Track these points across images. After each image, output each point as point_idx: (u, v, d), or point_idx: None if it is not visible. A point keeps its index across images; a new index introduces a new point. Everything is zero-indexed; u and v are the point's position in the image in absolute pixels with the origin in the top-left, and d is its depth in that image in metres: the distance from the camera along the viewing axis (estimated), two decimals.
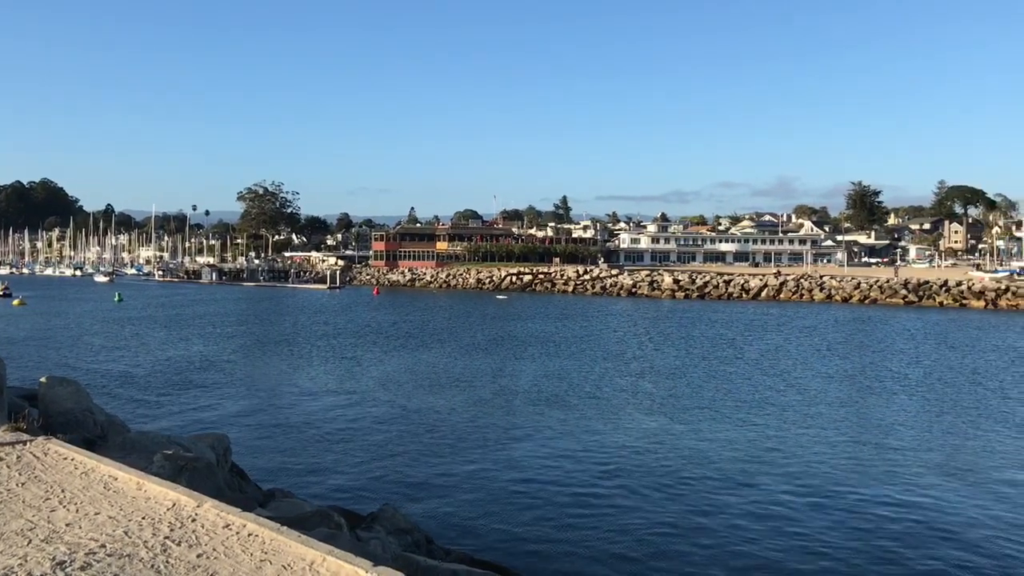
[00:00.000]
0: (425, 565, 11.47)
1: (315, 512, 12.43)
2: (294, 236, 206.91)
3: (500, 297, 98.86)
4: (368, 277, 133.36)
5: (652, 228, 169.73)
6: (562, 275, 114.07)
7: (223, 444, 14.15)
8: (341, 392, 31.41)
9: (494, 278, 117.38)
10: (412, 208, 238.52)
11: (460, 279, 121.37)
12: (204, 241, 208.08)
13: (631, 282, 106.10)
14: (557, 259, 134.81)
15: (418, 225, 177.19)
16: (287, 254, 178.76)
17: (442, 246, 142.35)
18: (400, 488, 18.31)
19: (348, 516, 13.60)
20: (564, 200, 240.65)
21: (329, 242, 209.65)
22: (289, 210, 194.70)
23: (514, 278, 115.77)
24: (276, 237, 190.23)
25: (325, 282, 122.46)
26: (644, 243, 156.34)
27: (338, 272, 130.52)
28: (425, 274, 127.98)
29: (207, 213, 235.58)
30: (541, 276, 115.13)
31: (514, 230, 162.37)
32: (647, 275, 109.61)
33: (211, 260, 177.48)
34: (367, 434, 23.81)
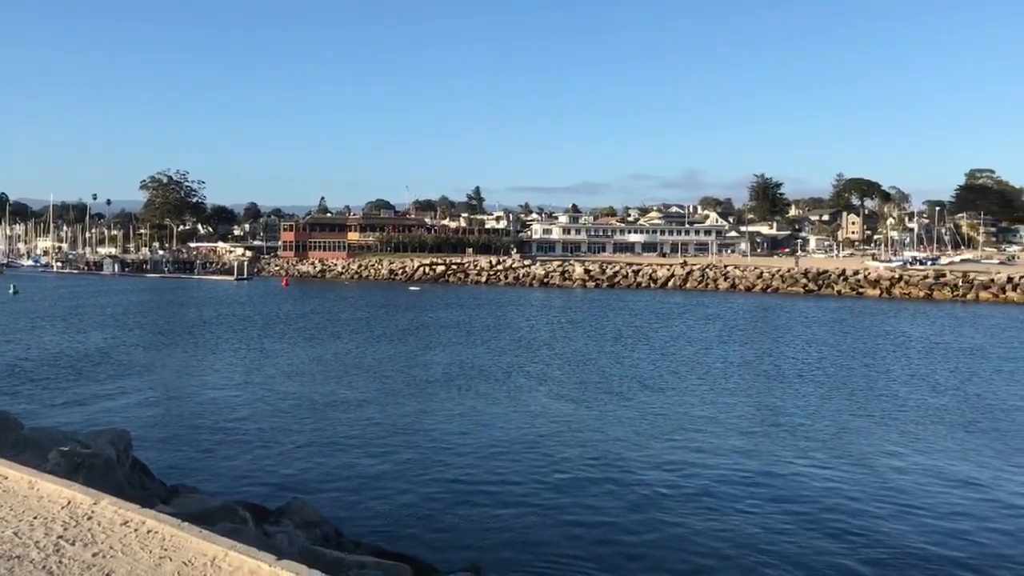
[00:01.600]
0: (332, 558, 11.45)
1: (220, 507, 12.27)
2: (200, 226, 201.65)
3: (413, 288, 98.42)
4: (277, 268, 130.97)
5: (564, 219, 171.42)
6: (475, 266, 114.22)
7: (124, 440, 13.81)
8: (249, 384, 30.88)
9: (407, 269, 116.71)
10: (323, 198, 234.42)
11: (372, 270, 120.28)
12: (106, 231, 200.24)
13: (543, 272, 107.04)
14: (470, 250, 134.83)
15: (329, 215, 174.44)
16: (192, 245, 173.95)
17: (353, 237, 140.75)
18: (311, 481, 18.17)
19: (255, 510, 13.45)
20: (477, 191, 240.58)
21: (236, 232, 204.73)
22: (195, 199, 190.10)
23: (427, 269, 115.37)
24: (181, 227, 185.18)
25: (232, 273, 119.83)
26: (556, 234, 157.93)
27: (246, 263, 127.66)
28: (336, 265, 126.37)
29: (108, 202, 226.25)
30: (454, 267, 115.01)
31: (427, 220, 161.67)
32: (559, 265, 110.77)
33: (113, 251, 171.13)
34: (277, 427, 23.50)
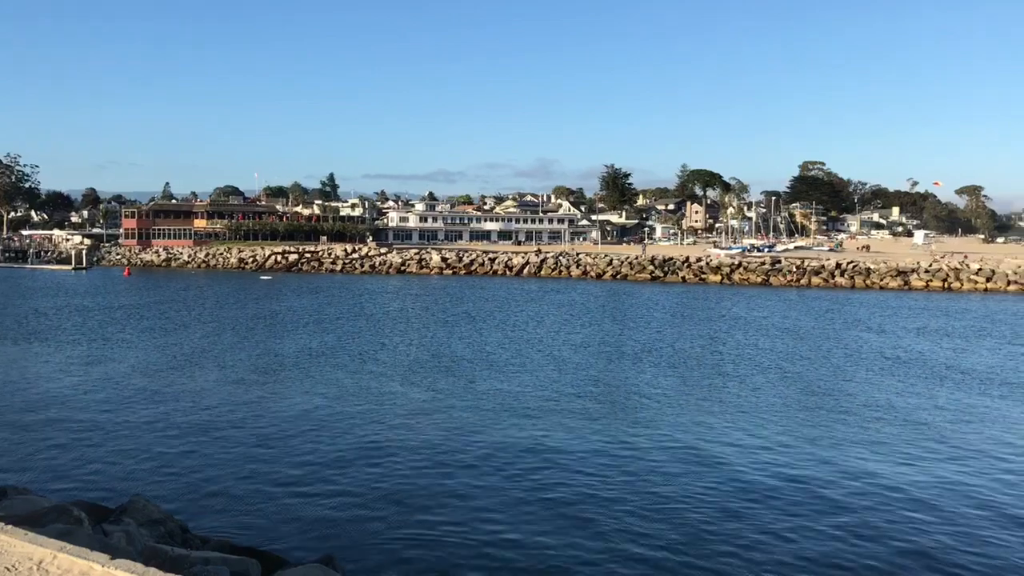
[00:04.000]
0: (174, 555, 11.39)
1: (52, 508, 11.96)
2: (33, 213, 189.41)
3: (264, 277, 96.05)
4: (119, 257, 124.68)
5: (420, 207, 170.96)
6: (330, 254, 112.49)
7: None
8: (89, 378, 29.59)
9: (257, 257, 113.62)
10: (167, 183, 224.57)
11: (221, 259, 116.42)
12: None
13: (400, 260, 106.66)
14: (324, 238, 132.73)
15: (174, 202, 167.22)
16: (25, 233, 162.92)
17: (200, 224, 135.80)
18: (156, 477, 17.79)
19: (93, 510, 13.16)
20: (331, 177, 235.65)
21: (74, 219, 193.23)
22: (27, 185, 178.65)
23: (279, 257, 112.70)
24: (12, 214, 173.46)
25: (70, 262, 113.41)
26: (413, 222, 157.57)
27: (84, 252, 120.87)
28: (182, 253, 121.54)
29: None
30: (308, 255, 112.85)
31: (278, 208, 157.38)
32: (416, 253, 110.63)
33: None
34: (119, 422, 22.74)
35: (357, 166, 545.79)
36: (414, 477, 17.82)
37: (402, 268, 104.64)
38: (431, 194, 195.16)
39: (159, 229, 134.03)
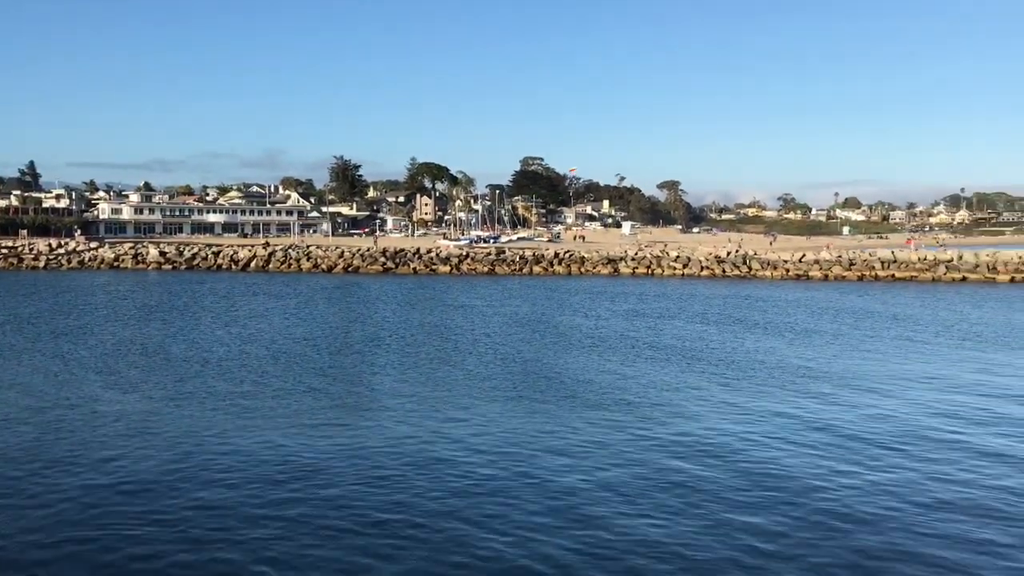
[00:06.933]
0: None
1: None
2: None
3: None
4: None
5: (135, 198, 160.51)
6: (31, 249, 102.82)
7: None
8: None
9: None
10: None
11: None
12: None
13: (113, 255, 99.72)
14: (25, 232, 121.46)
15: None
16: None
17: None
18: None
19: None
20: (31, 165, 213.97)
21: None
22: None
23: None
24: None
25: None
26: (127, 214, 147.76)
27: None
28: None
29: None
30: (5, 251, 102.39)
31: None
32: (131, 248, 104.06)
33: None
34: None
35: (61, 153, 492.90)
36: (108, 486, 17.44)
37: (116, 264, 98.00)
38: (147, 184, 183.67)
39: None
